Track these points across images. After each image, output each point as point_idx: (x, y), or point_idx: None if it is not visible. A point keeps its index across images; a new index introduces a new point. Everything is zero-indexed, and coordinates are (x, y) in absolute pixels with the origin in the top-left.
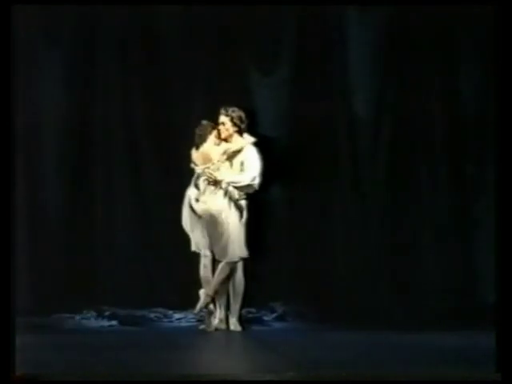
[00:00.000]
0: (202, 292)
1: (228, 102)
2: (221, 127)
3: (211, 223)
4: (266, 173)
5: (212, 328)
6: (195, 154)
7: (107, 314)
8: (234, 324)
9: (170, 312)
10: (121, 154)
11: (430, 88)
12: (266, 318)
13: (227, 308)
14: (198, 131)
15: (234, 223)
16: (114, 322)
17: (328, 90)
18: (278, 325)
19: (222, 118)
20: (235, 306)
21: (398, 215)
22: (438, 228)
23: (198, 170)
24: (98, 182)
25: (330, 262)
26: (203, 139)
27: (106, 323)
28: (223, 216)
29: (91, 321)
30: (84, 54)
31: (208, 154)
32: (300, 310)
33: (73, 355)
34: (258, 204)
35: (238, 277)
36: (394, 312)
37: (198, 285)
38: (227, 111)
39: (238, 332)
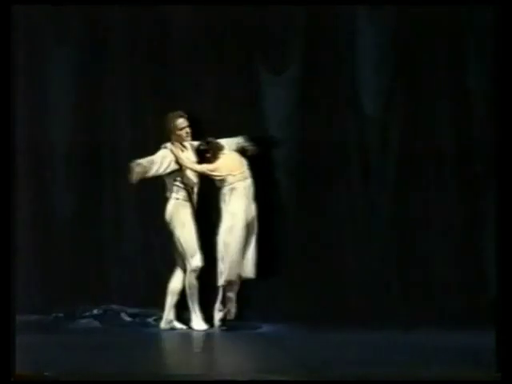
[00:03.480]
0: None
1: (238, 102)
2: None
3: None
4: (274, 172)
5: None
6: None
7: (114, 313)
8: (198, 323)
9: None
10: (128, 155)
11: (439, 88)
12: (271, 318)
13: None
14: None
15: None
16: (120, 322)
17: (337, 90)
18: (283, 325)
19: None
20: (194, 306)
21: (405, 215)
22: (444, 228)
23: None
24: (105, 182)
25: (337, 263)
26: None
27: (112, 323)
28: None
29: (99, 320)
30: (90, 55)
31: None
32: (306, 309)
33: (77, 355)
34: (265, 203)
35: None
36: (395, 312)
37: (205, 286)
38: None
39: (245, 332)
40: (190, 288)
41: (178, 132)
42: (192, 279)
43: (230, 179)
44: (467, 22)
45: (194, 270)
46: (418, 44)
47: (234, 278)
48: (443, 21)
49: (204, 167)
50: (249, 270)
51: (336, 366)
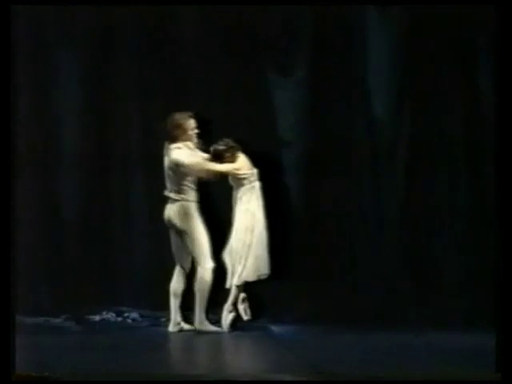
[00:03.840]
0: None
1: (246, 103)
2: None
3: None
4: (283, 173)
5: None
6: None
7: (126, 315)
8: (205, 324)
9: (189, 313)
10: (137, 155)
11: (449, 88)
12: (281, 319)
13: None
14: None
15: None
16: (129, 323)
17: (346, 91)
18: (293, 326)
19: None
20: (201, 306)
21: (415, 216)
22: (450, 229)
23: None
24: (115, 181)
25: (347, 263)
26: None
27: (121, 324)
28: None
29: (107, 322)
30: (93, 55)
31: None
32: (316, 310)
33: (85, 356)
34: (276, 204)
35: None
36: (404, 314)
37: (217, 288)
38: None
39: (255, 334)
40: (202, 287)
41: (190, 132)
42: (208, 278)
43: (251, 178)
44: (477, 22)
45: (211, 269)
46: (428, 44)
47: (257, 276)
48: (453, 21)
49: (230, 167)
50: (266, 268)
51: (344, 367)
